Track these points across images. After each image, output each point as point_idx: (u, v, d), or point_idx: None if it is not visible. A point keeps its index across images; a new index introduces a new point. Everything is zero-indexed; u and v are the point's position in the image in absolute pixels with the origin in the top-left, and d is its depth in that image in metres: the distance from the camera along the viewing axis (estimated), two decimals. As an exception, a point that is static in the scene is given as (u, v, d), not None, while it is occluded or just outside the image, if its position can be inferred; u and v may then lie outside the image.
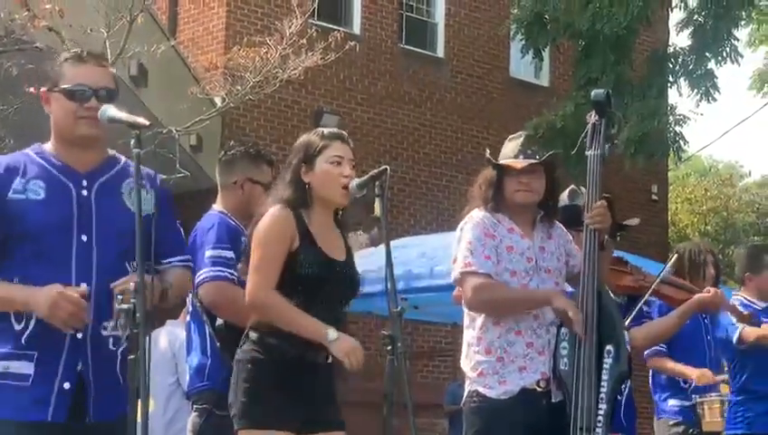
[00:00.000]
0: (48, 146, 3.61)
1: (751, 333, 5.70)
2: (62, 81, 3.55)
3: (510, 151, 4.69)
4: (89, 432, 3.46)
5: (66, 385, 3.42)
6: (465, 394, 4.67)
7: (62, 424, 3.42)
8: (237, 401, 4.06)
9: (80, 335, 3.42)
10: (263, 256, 4.09)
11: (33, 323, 3.41)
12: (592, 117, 4.79)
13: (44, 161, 3.55)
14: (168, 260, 3.66)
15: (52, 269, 3.43)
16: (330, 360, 4.09)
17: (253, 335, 4.11)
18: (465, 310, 4.72)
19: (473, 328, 4.67)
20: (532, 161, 4.63)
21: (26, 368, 3.41)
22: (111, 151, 3.66)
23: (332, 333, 3.97)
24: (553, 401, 4.56)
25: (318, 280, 4.10)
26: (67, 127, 3.54)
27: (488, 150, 4.79)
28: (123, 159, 3.66)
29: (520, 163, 4.61)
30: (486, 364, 4.58)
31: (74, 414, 3.44)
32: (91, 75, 3.56)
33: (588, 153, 4.75)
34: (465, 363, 4.68)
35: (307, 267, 4.09)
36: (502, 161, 4.64)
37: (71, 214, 3.49)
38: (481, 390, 4.57)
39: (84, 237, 3.48)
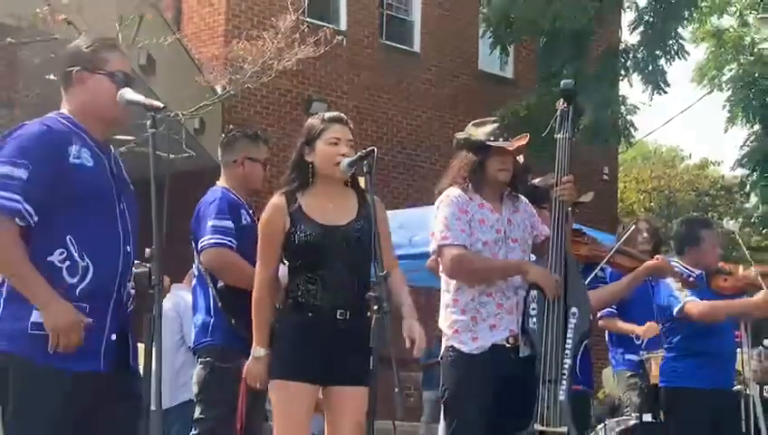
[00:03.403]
0: (71, 117, 3.48)
1: (691, 309, 5.68)
2: (106, 65, 3.46)
3: (486, 135, 4.68)
4: (127, 379, 3.36)
5: (113, 337, 3.34)
6: (443, 349, 4.67)
7: (109, 373, 3.32)
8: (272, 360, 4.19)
9: (123, 290, 3.37)
10: (262, 245, 4.24)
11: (89, 277, 3.31)
12: (561, 104, 4.81)
13: (81, 132, 3.44)
14: None
15: (107, 230, 3.37)
16: (348, 317, 4.11)
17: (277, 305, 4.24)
18: (442, 276, 4.73)
19: (448, 291, 4.68)
20: (522, 144, 4.65)
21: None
22: None
23: (257, 351, 4.16)
24: (521, 355, 4.58)
25: (312, 246, 4.12)
26: (108, 108, 3.45)
27: (467, 135, 4.77)
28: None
29: (511, 146, 4.62)
30: (461, 323, 4.59)
31: (118, 364, 3.36)
32: (126, 64, 3.53)
33: (557, 136, 4.77)
34: (443, 322, 4.68)
35: (301, 237, 4.13)
36: (494, 143, 4.63)
37: (111, 184, 3.44)
38: (456, 345, 4.58)
39: (122, 206, 3.44)
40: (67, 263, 3.30)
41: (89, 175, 3.36)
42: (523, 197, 4.84)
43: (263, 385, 4.16)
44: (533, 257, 4.82)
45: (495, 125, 4.74)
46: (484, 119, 4.86)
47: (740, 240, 6.42)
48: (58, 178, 3.30)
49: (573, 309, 4.58)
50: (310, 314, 4.09)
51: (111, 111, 3.45)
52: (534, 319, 4.55)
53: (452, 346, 4.60)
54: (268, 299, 4.17)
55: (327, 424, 4.21)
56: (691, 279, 5.67)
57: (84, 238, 3.32)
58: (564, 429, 4.49)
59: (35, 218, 3.27)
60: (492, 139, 4.64)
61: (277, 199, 4.20)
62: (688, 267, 5.88)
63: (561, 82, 4.98)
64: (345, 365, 4.07)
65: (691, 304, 5.67)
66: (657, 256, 5.58)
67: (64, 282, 3.28)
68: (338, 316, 4.07)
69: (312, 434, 4.34)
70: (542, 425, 4.48)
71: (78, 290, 3.29)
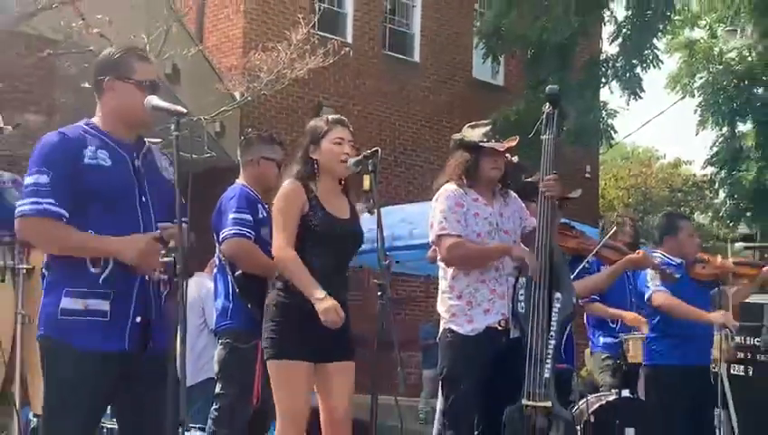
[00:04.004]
0: (97, 122, 3.47)
1: (656, 299, 5.72)
2: (134, 74, 3.42)
3: (479, 137, 4.67)
4: (149, 359, 3.36)
5: (138, 319, 3.33)
6: (441, 331, 4.67)
7: (132, 353, 3.32)
8: (266, 338, 4.08)
9: (147, 277, 3.34)
10: (282, 220, 4.12)
11: (110, 267, 3.30)
12: (547, 108, 4.79)
13: (101, 135, 3.43)
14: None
15: (124, 224, 3.34)
16: (342, 301, 4.09)
17: (278, 284, 4.14)
18: (440, 264, 4.72)
19: (445, 278, 4.67)
20: (512, 145, 4.64)
21: (104, 305, 3.29)
22: None
23: (319, 293, 3.94)
24: (511, 337, 4.58)
25: (325, 234, 4.12)
26: (135, 113, 3.42)
27: (462, 137, 4.76)
28: (144, 140, 3.58)
29: (501, 146, 4.61)
30: (457, 307, 4.58)
31: (141, 344, 3.35)
32: (152, 72, 3.50)
33: (543, 137, 4.75)
34: (441, 307, 4.68)
35: (316, 225, 4.11)
36: (486, 144, 4.62)
37: (132, 180, 3.41)
38: (453, 328, 4.57)
39: (144, 199, 3.40)
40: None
41: (105, 174, 3.35)
42: (512, 192, 4.83)
43: (342, 318, 3.95)
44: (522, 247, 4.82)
45: (488, 127, 4.73)
46: (478, 122, 4.85)
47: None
48: (74, 178, 3.30)
49: (557, 294, 4.57)
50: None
51: (138, 115, 3.43)
52: (522, 303, 4.55)
53: (449, 328, 4.59)
54: (298, 258, 4.05)
55: (319, 395, 4.18)
56: (669, 272, 5.67)
57: (104, 232, 3.31)
58: (549, 403, 4.49)
59: (65, 215, 3.28)
60: (485, 140, 4.64)
61: (295, 184, 4.16)
62: (669, 256, 5.88)
63: (547, 88, 4.96)
64: (337, 344, 4.08)
65: (657, 294, 5.72)
66: (639, 250, 5.59)
67: (88, 272, 3.30)
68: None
69: None
70: (529, 400, 4.48)
71: (101, 279, 3.31)
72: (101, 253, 3.29)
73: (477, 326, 4.54)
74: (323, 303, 3.94)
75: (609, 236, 5.63)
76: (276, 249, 4.10)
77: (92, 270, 3.31)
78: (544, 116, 4.76)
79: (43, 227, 3.28)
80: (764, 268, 5.92)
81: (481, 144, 4.62)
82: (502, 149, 4.62)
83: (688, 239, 5.95)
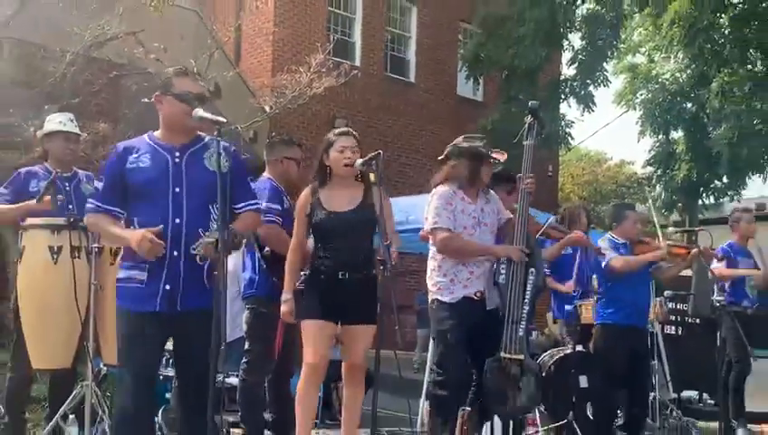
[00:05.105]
0: (158, 132, 3.56)
1: (615, 262, 5.75)
2: (173, 88, 3.47)
3: (482, 148, 4.66)
4: (180, 317, 3.42)
5: (167, 286, 3.38)
6: (429, 301, 4.68)
7: (164, 312, 3.39)
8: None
9: (176, 253, 3.37)
10: (296, 222, 4.32)
11: None
12: (528, 119, 4.77)
13: (153, 142, 3.52)
14: (239, 205, 3.58)
15: (156, 210, 3.39)
16: (347, 277, 4.13)
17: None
18: (431, 248, 4.72)
19: (434, 259, 4.68)
20: (504, 155, 4.64)
21: (142, 275, 3.40)
22: (200, 133, 3.57)
23: (286, 295, 4.19)
24: (488, 308, 4.58)
25: (323, 226, 4.20)
26: (179, 121, 3.47)
27: (468, 146, 4.71)
28: (207, 136, 3.59)
29: (502, 157, 4.63)
30: (442, 283, 4.60)
31: (171, 306, 3.40)
32: (191, 85, 3.51)
33: (524, 143, 4.74)
34: (429, 282, 4.69)
35: (317, 219, 4.22)
36: (493, 155, 4.63)
37: (167, 175, 3.43)
38: (439, 298, 4.60)
39: (177, 189, 3.42)
40: None
41: (142, 173, 3.43)
42: (492, 191, 4.82)
43: (293, 319, 4.22)
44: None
45: (484, 141, 4.74)
46: (472, 135, 4.83)
47: (655, 218, 6.59)
48: (122, 179, 3.44)
49: (531, 269, 4.59)
50: (322, 277, 4.15)
51: (179, 121, 3.47)
52: (503, 275, 4.56)
53: (436, 299, 4.62)
54: (296, 259, 4.25)
55: (343, 348, 4.28)
56: (598, 248, 5.75)
57: (142, 218, 3.41)
58: (522, 356, 4.50)
59: (114, 210, 3.45)
60: (488, 151, 4.64)
61: (306, 191, 4.30)
62: (616, 238, 5.90)
63: (529, 103, 4.93)
64: (363, 309, 4.12)
65: (614, 260, 5.75)
66: (577, 231, 5.71)
67: (133, 250, 3.38)
68: (339, 276, 4.11)
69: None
70: (506, 353, 4.49)
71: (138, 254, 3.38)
72: (120, 241, 3.47)
73: (457, 295, 4.55)
74: (283, 305, 4.20)
75: (570, 221, 5.69)
76: (289, 249, 4.30)
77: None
78: (526, 126, 4.74)
79: (91, 221, 3.51)
80: (692, 251, 5.93)
81: (492, 154, 4.63)
82: (503, 159, 4.65)
83: (632, 226, 5.97)
